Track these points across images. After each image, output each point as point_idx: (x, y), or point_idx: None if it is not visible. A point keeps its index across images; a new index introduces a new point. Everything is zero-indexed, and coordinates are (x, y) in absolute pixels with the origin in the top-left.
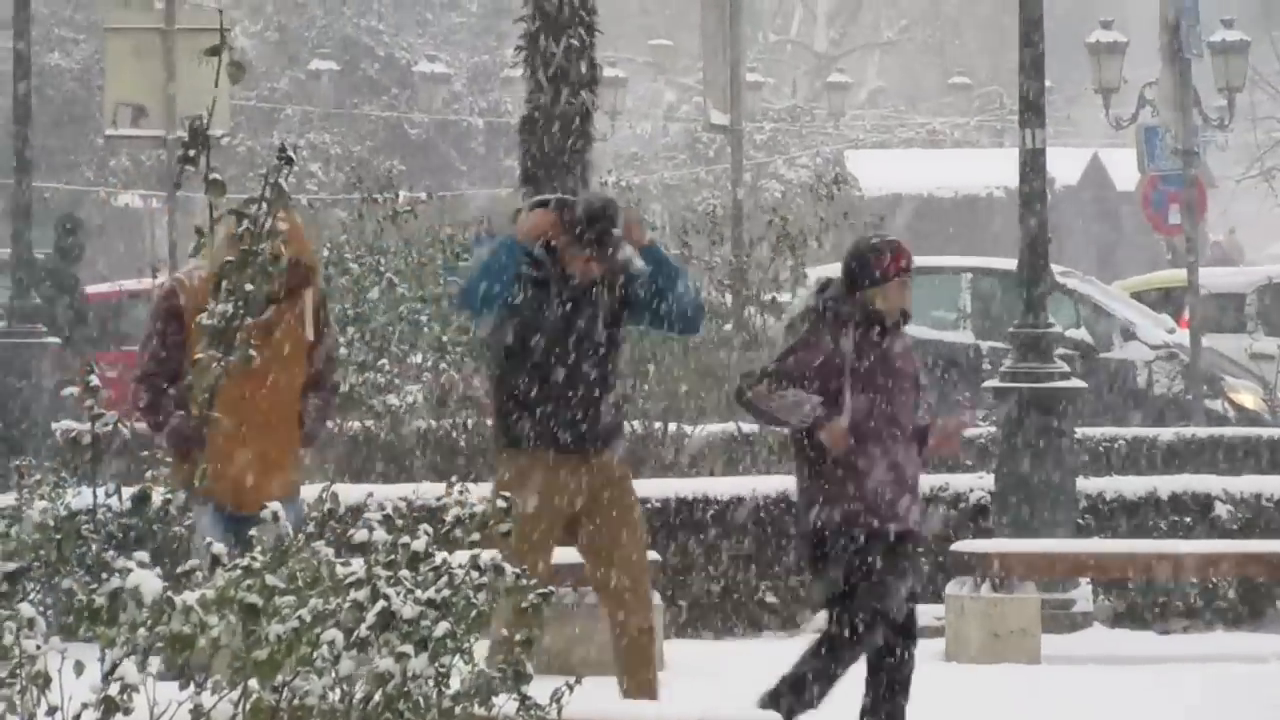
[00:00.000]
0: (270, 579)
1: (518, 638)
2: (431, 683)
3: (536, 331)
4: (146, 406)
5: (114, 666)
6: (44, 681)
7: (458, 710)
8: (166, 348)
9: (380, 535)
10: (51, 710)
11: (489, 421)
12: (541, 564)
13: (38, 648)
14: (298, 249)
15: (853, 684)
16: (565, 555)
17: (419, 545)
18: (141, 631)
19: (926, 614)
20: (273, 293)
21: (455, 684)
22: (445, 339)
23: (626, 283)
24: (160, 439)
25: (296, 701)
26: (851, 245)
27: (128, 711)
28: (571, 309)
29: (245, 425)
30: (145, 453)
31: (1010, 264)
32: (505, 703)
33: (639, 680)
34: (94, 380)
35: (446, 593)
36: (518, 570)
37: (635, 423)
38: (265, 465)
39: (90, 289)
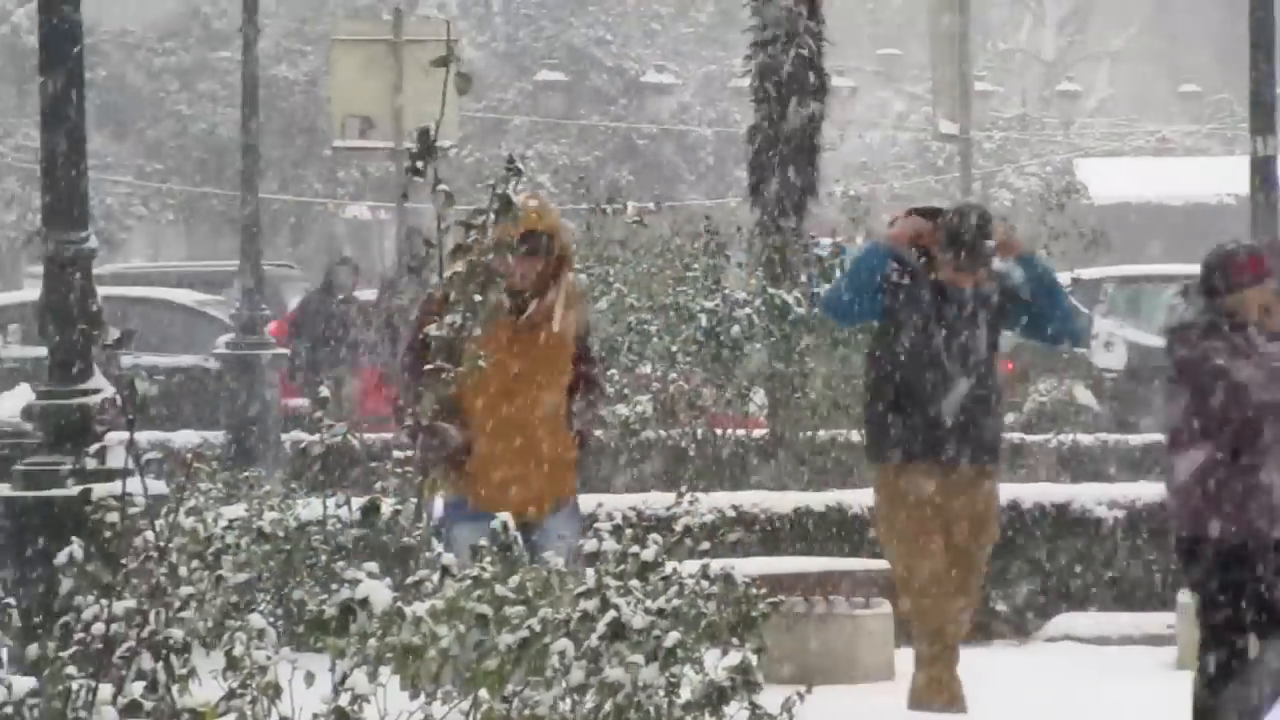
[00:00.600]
0: (500, 589)
1: (747, 647)
2: (662, 692)
3: (907, 340)
4: (413, 425)
5: (344, 677)
6: (275, 692)
7: (688, 719)
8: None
9: (610, 545)
10: None
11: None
12: (929, 569)
13: (268, 658)
14: (550, 227)
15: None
16: (787, 565)
17: (649, 555)
18: (372, 642)
19: (1158, 622)
20: (538, 281)
21: (685, 693)
22: (674, 349)
23: (1003, 292)
24: (423, 450)
25: (526, 712)
26: (1208, 253)
27: None
28: (946, 318)
29: (513, 430)
30: (375, 464)
31: None
32: (736, 711)
33: (933, 676)
34: (324, 392)
35: (677, 602)
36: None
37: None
38: (536, 471)
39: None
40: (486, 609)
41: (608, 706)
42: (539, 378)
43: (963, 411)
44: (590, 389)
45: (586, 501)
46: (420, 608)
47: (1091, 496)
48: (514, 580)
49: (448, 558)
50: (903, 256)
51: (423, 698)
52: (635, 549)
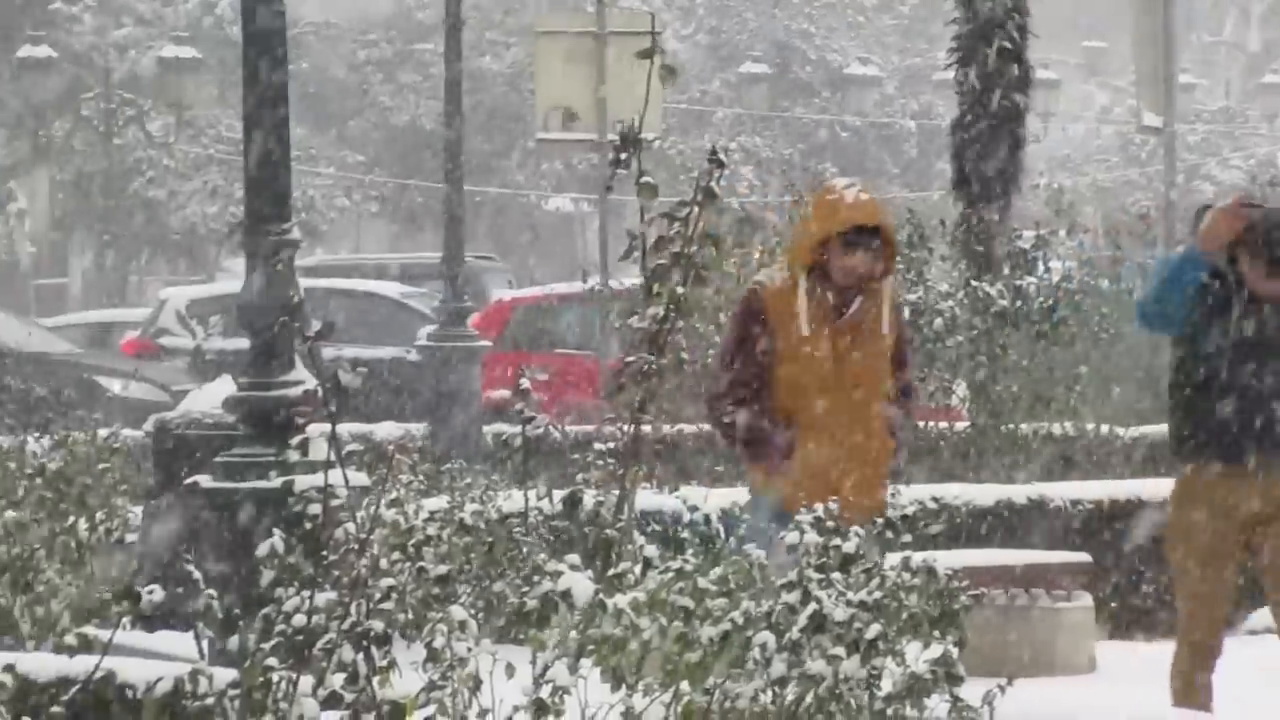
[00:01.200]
0: (701, 581)
1: (949, 640)
2: (863, 685)
3: (1215, 345)
4: (729, 424)
5: (545, 669)
6: (475, 684)
7: (889, 712)
8: (749, 357)
9: (811, 537)
10: (483, 713)
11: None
12: (1224, 575)
13: (469, 650)
14: (887, 223)
15: None
16: (989, 558)
17: (850, 547)
18: (573, 634)
19: None
20: (863, 279)
21: (886, 685)
22: None
23: None
24: (744, 452)
25: (727, 704)
26: None
27: (559, 714)
28: (1254, 323)
29: (833, 433)
30: (576, 456)
31: None
32: (937, 704)
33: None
34: (525, 384)
35: (878, 595)
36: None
37: (1067, 424)
38: (859, 475)
39: (522, 292)
40: (688, 601)
41: (809, 699)
42: (860, 380)
43: (1263, 415)
44: (906, 395)
45: None
46: (622, 600)
47: None
48: (716, 572)
49: (650, 550)
50: (1216, 265)
51: (624, 690)
52: (837, 541)
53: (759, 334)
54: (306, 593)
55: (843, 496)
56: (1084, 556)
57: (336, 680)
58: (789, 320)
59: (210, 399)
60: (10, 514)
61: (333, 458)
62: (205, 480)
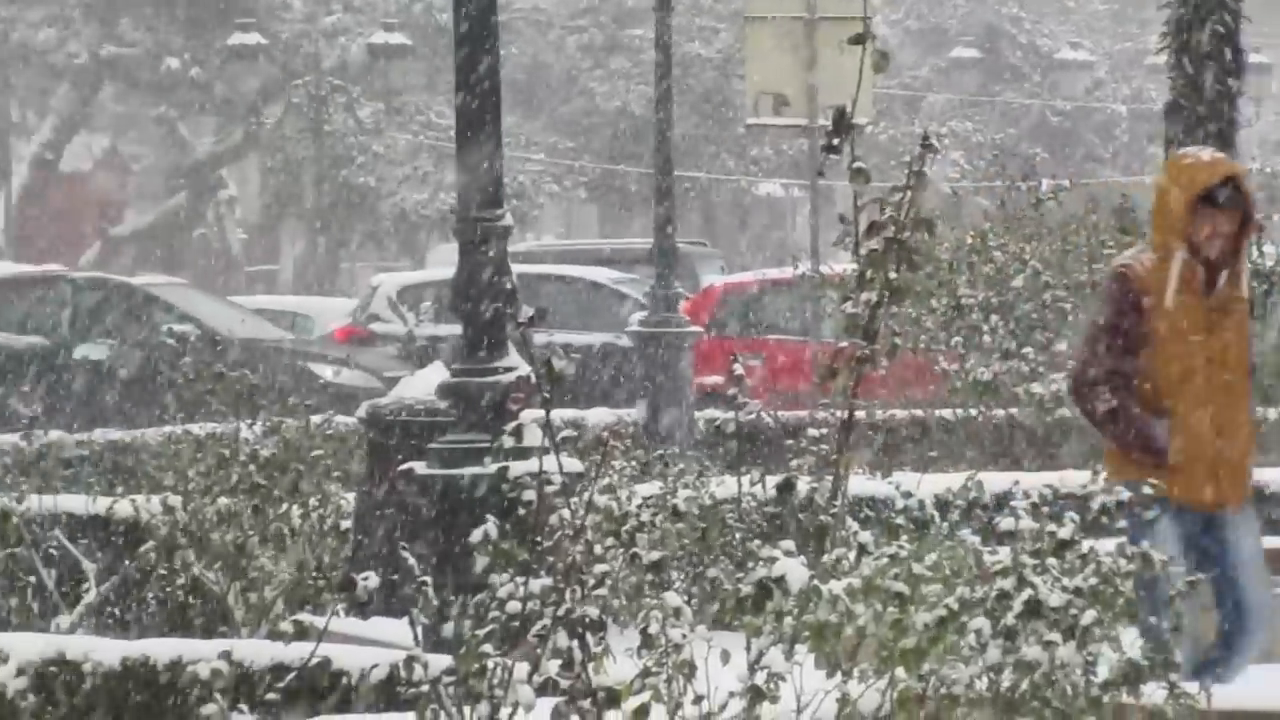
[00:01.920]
0: (916, 567)
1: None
2: (1079, 671)
3: None
4: (1108, 412)
5: (760, 655)
6: (690, 670)
7: (1105, 699)
8: (1126, 340)
9: (1027, 523)
10: (698, 699)
11: None
12: None
13: (684, 636)
14: (1245, 181)
15: None
16: None
17: (1065, 533)
18: (788, 620)
19: None
20: (1228, 249)
21: (1103, 672)
22: None
23: None
24: (1123, 441)
25: (942, 690)
26: None
27: (774, 700)
28: None
29: (1208, 419)
30: (789, 441)
31: None
32: (1153, 690)
33: None
34: (739, 369)
35: (1094, 580)
36: None
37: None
38: (1231, 462)
39: (732, 278)
40: (903, 587)
41: (1024, 685)
42: (1232, 359)
43: None
44: (1252, 373)
45: (1002, 479)
46: (837, 586)
47: None
48: (930, 558)
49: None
50: None
51: (839, 676)
52: (1052, 527)
53: (1133, 317)
54: (521, 579)
55: (1221, 483)
56: None
57: (551, 667)
58: (1160, 301)
59: (422, 385)
60: (223, 501)
61: (547, 444)
62: (419, 467)
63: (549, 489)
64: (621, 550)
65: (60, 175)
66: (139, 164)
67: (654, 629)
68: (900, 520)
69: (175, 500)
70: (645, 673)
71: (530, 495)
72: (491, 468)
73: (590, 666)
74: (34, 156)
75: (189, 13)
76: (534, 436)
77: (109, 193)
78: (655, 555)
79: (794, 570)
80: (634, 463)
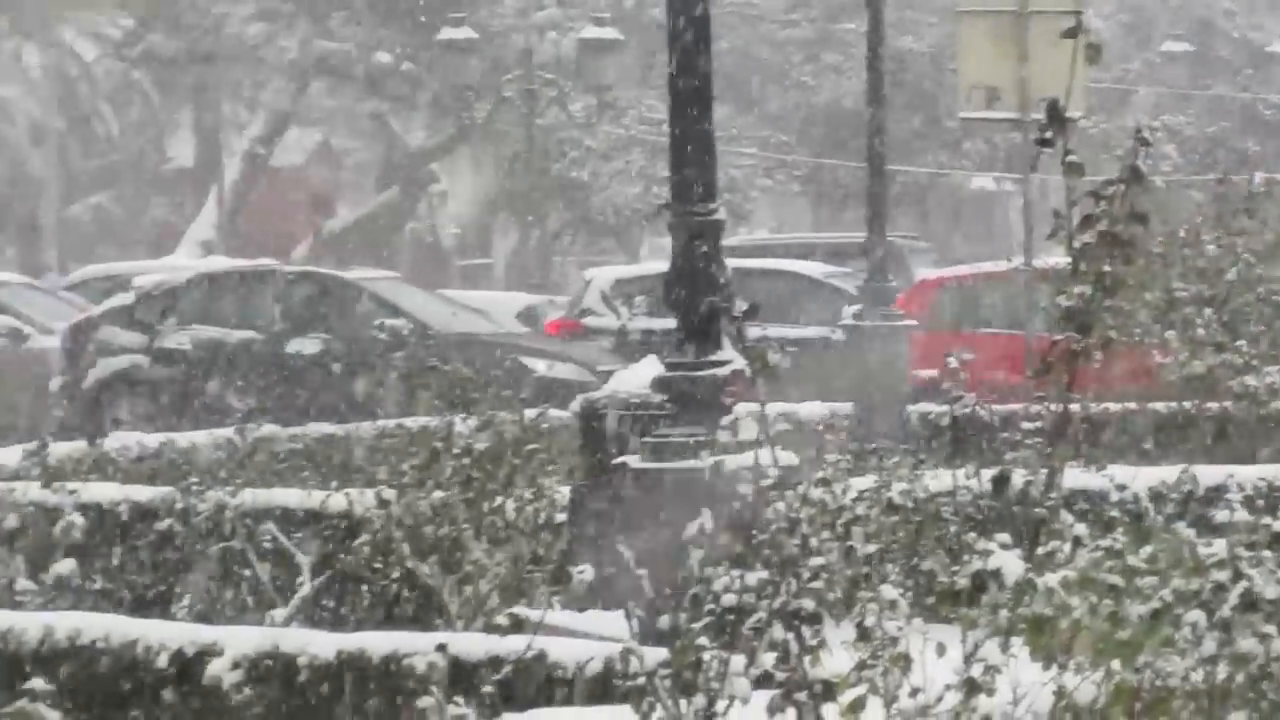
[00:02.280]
0: (1131, 560)
1: None
2: None
3: None
4: None
5: (975, 648)
6: (906, 663)
7: None
8: None
9: (1242, 516)
10: (914, 691)
11: None
12: None
13: (899, 629)
14: None
15: None
16: None
17: None
18: (1003, 613)
19: None
20: None
21: None
22: None
23: None
24: None
25: (1158, 682)
26: None
27: (990, 693)
28: None
29: None
30: (1004, 434)
31: None
32: None
33: None
34: (954, 363)
35: None
36: None
37: None
38: None
39: (946, 272)
40: (1118, 580)
41: (1239, 678)
42: None
43: None
44: None
45: (1216, 473)
46: (1052, 579)
47: None
48: (1146, 551)
49: (1080, 528)
50: None
51: (1054, 669)
52: (1267, 520)
53: None
54: (736, 572)
55: None
56: None
57: (768, 659)
58: None
59: (636, 379)
60: (438, 494)
61: (761, 437)
62: (633, 460)
63: (764, 482)
64: (836, 543)
65: (272, 170)
66: (350, 159)
67: (870, 622)
68: (1115, 513)
69: (390, 494)
70: (861, 665)
71: (746, 488)
72: (707, 461)
73: (806, 659)
74: (246, 152)
75: (400, 7)
76: (749, 430)
77: (321, 187)
78: (870, 548)
79: (1009, 563)
80: (848, 456)
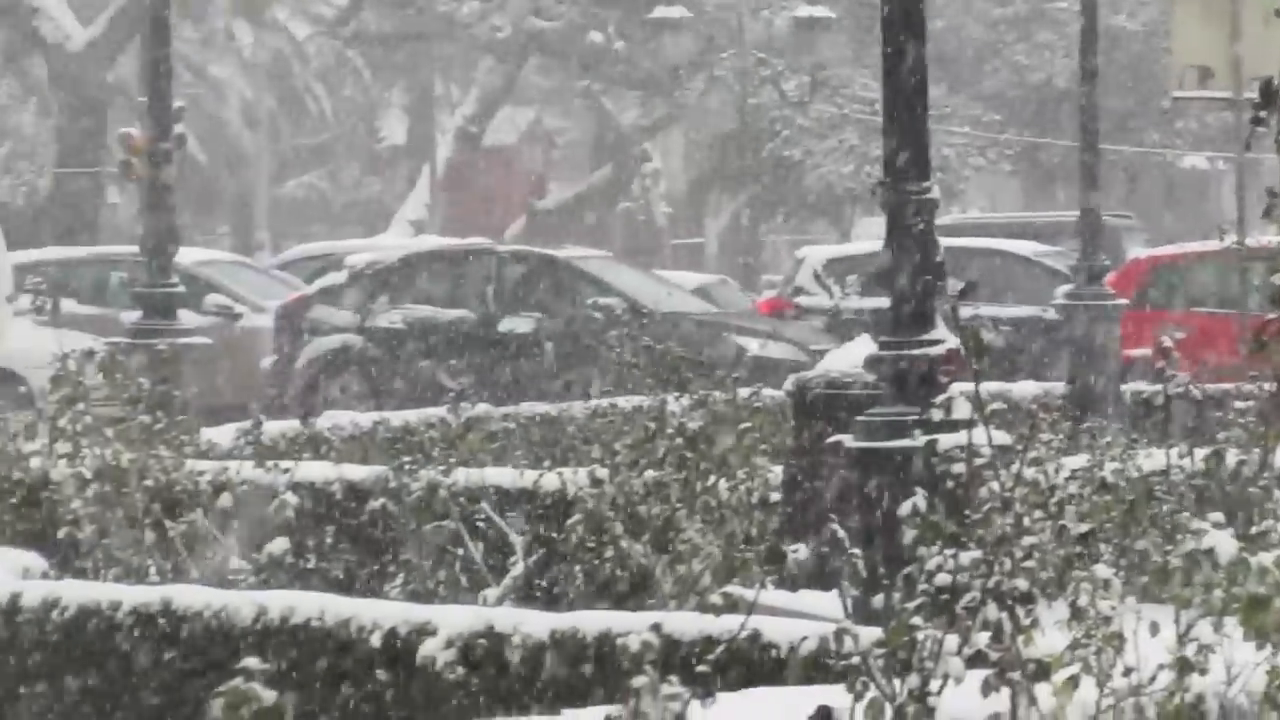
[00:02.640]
0: None
1: None
2: None
3: None
4: None
5: (1189, 627)
6: (1119, 642)
7: None
8: None
9: None
10: (1127, 671)
11: None
12: None
13: (1113, 608)
14: None
15: None
16: None
17: None
18: (1217, 593)
19: None
20: None
21: None
22: None
23: None
24: None
25: None
26: None
27: (1203, 672)
28: None
29: None
30: (1217, 413)
31: None
32: None
33: None
34: (1167, 342)
35: None
36: None
37: None
38: None
39: (1158, 250)
40: None
41: None
42: None
43: None
44: None
45: None
46: (1266, 558)
47: None
48: None
49: None
50: None
51: (1268, 649)
52: None
53: None
54: (949, 551)
55: None
56: None
57: (981, 639)
58: None
59: (849, 358)
60: (650, 474)
61: (975, 416)
62: (847, 439)
63: (977, 461)
64: (1049, 523)
65: (484, 149)
66: (563, 137)
67: (1083, 601)
68: None
69: (603, 473)
70: (1074, 645)
71: (959, 468)
72: (920, 440)
73: (1019, 639)
74: (458, 130)
75: None
76: (962, 409)
77: (533, 166)
78: (1083, 527)
79: (1223, 542)
80: (1061, 435)
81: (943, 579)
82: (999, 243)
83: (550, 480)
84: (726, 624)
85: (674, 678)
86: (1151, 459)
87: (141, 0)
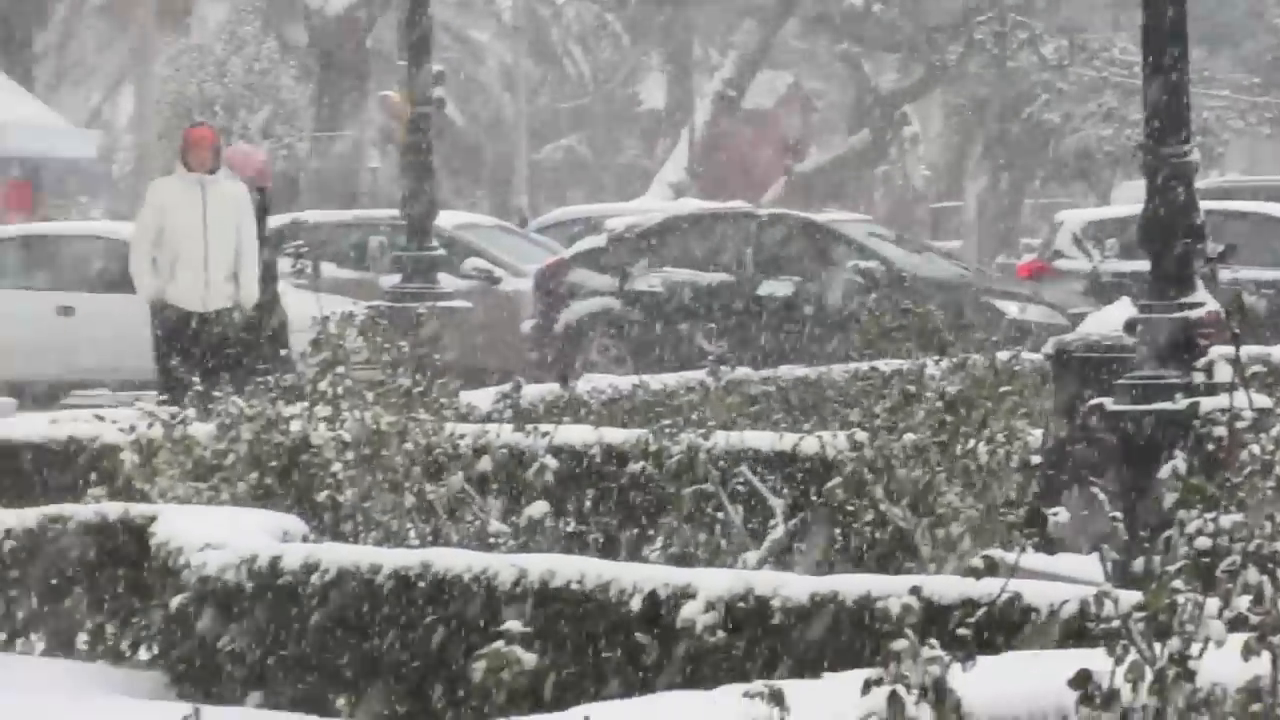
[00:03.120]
0: None
1: None
2: None
3: None
4: None
5: None
6: None
7: None
8: None
9: None
10: None
11: None
12: None
13: None
14: None
15: None
16: None
17: None
18: None
19: None
20: None
21: None
22: None
23: None
24: None
25: None
26: None
27: None
28: None
29: None
30: None
31: None
32: None
33: None
34: None
35: None
36: None
37: None
38: None
39: None
40: None
41: None
42: None
43: None
44: None
45: None
46: None
47: None
48: None
49: None
50: None
51: None
52: None
53: None
54: (1210, 514)
55: None
56: None
57: (1241, 603)
58: None
59: (1109, 321)
60: (910, 437)
61: (1236, 380)
62: (1107, 402)
63: (1238, 424)
64: None
65: (743, 112)
66: (821, 101)
67: None
68: None
69: (863, 436)
70: None
71: (1220, 431)
72: (1181, 403)
73: None
74: (716, 94)
75: None
76: (1224, 372)
77: (791, 130)
78: None
79: None
80: None
81: (1203, 542)
82: (1259, 206)
83: (810, 444)
84: (986, 587)
85: (934, 641)
86: None
87: None
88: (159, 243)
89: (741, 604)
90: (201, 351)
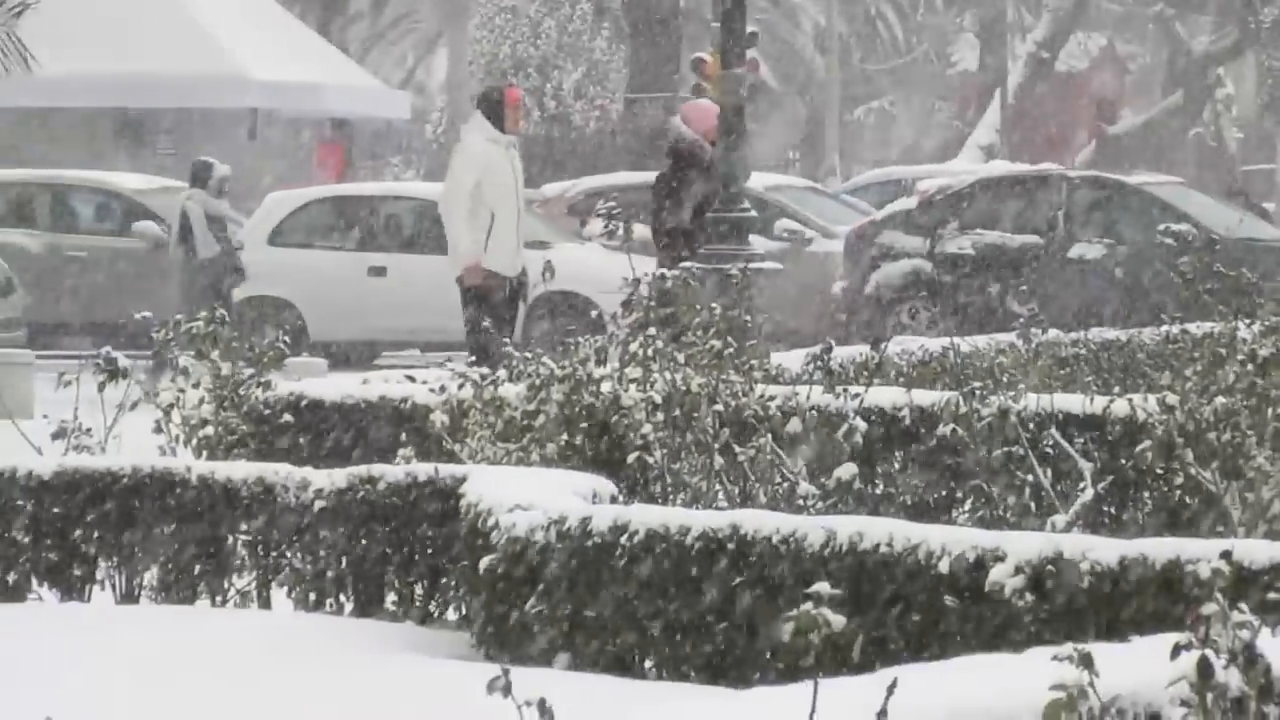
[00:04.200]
0: None
1: None
2: None
3: None
4: None
5: None
6: None
7: None
8: None
9: None
10: None
11: None
12: None
13: None
14: None
15: None
16: None
17: None
18: None
19: None
20: None
21: None
22: None
23: None
24: None
25: None
26: None
27: None
28: None
29: None
30: None
31: None
32: None
33: None
34: None
35: None
36: None
37: None
38: None
39: None
40: None
41: None
42: None
43: None
44: None
45: None
46: None
47: None
48: None
49: None
50: None
51: None
52: None
53: None
54: None
55: None
56: None
57: None
58: None
59: None
60: (1220, 400)
61: None
62: None
63: None
64: None
65: (1056, 74)
66: (1135, 63)
67: None
68: None
69: (1173, 399)
70: None
71: None
72: None
73: None
74: (1030, 55)
75: None
76: None
77: (1104, 92)
78: None
79: None
80: None
81: None
82: None
83: (1120, 407)
84: None
85: (1243, 605)
86: None
87: None
88: (475, 206)
89: (1050, 567)
90: (511, 315)
